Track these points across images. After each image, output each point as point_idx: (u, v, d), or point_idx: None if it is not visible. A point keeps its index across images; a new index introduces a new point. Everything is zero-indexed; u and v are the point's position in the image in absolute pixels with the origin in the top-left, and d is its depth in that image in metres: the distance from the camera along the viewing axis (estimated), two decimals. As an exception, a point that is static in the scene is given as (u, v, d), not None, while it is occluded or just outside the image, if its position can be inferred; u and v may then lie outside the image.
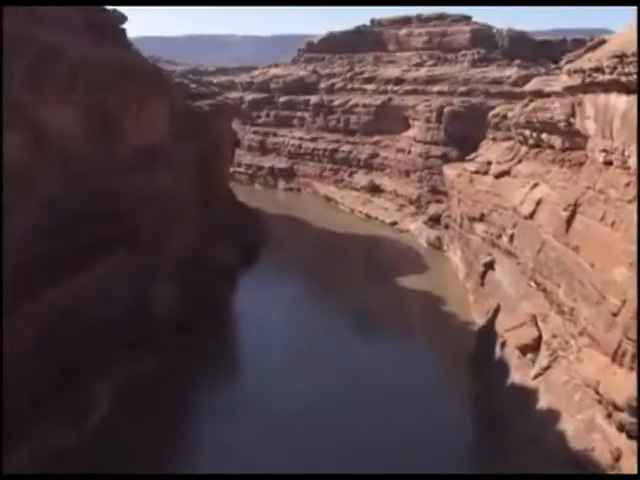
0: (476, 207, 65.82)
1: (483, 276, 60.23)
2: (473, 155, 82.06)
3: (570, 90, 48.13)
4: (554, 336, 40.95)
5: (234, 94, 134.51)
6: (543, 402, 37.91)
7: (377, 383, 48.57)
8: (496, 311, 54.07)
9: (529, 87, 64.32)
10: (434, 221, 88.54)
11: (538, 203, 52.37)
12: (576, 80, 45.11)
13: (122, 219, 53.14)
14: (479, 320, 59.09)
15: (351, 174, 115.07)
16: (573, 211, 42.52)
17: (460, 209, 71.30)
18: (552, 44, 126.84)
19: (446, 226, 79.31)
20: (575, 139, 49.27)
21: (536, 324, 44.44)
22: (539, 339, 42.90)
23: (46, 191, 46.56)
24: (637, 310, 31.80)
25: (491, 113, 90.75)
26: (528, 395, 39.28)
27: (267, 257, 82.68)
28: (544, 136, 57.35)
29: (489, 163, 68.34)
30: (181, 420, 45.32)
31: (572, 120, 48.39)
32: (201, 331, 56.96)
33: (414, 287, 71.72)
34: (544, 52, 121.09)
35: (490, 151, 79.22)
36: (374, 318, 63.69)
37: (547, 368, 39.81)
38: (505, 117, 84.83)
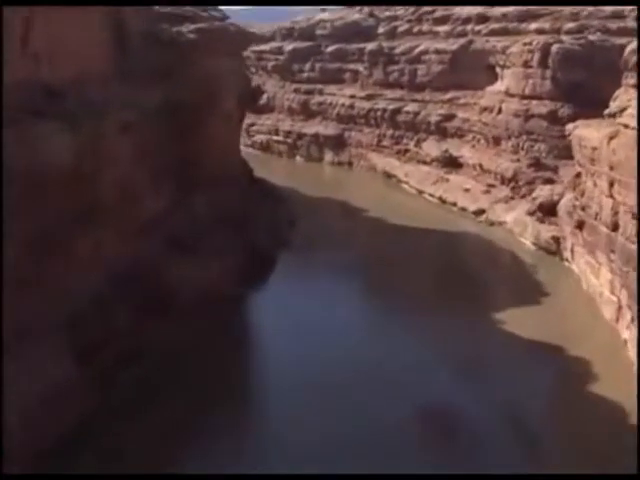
0: (657, 197, 33.25)
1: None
2: (614, 108, 49.07)
3: None
4: None
5: (272, 44, 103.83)
6: None
7: None
8: None
9: None
10: (546, 212, 56.11)
11: None
12: None
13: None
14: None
15: (419, 142, 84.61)
16: None
17: (615, 197, 38.84)
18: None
19: (579, 225, 46.20)
20: None
21: None
22: None
23: None
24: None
25: (628, 49, 57.92)
26: None
27: (287, 273, 51.43)
28: None
29: (671, 116, 35.50)
30: None
31: None
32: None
33: (524, 332, 40.38)
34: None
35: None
36: (467, 409, 32.73)
37: None
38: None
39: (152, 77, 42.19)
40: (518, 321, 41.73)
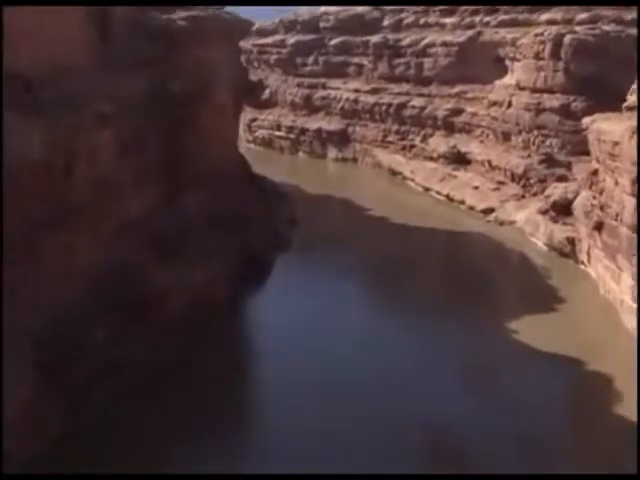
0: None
1: None
2: (632, 102, 45.76)
3: None
4: None
5: (274, 37, 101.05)
6: None
7: None
8: None
9: None
10: (559, 211, 52.73)
11: None
12: None
13: None
14: None
15: (425, 138, 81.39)
16: None
17: (638, 196, 35.47)
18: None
19: (598, 226, 42.76)
20: None
21: None
22: None
23: None
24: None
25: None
26: None
27: (286, 276, 48.33)
28: None
29: None
30: None
31: None
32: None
33: (537, 341, 37.05)
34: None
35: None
36: (469, 416, 30.18)
37: None
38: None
39: (138, 67, 39.19)
40: (530, 329, 38.57)
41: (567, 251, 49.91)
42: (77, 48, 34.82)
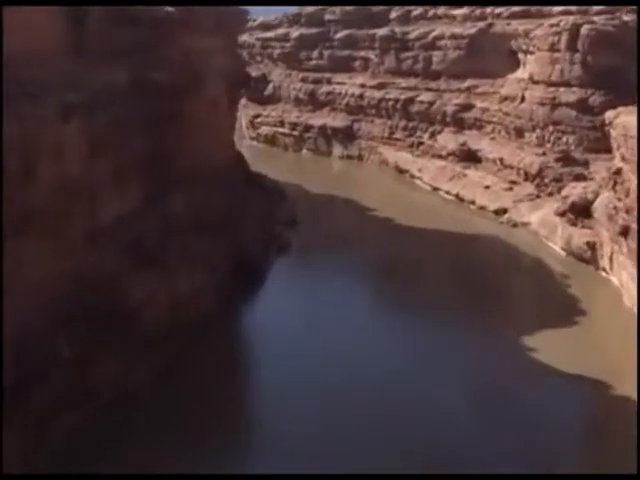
0: None
1: None
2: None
3: None
4: None
5: (278, 31, 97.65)
6: None
7: None
8: None
9: None
10: (578, 213, 48.81)
11: None
12: None
13: None
14: None
15: (433, 134, 78.28)
16: None
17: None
18: None
19: (624, 230, 38.68)
20: None
21: None
22: None
23: None
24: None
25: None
26: None
27: (281, 283, 44.93)
28: None
29: None
30: None
31: None
32: None
33: (555, 359, 33.72)
34: None
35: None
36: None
37: None
38: None
39: (117, 56, 35.56)
40: (548, 344, 35.25)
41: (587, 257, 46.08)
42: (43, 33, 31.14)
